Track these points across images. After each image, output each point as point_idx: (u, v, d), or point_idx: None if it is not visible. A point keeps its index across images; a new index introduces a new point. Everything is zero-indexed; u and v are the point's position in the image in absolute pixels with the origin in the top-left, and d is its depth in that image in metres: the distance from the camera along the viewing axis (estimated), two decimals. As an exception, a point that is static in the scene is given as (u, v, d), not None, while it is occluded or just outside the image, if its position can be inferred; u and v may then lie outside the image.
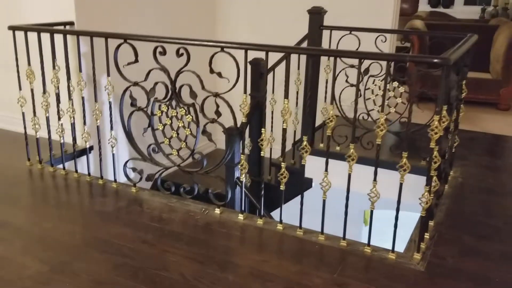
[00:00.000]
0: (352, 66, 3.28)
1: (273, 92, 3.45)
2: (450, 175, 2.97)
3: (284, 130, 2.25)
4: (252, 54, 2.81)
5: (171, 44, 2.29)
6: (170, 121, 2.46)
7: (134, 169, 2.64)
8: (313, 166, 3.40)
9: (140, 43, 2.37)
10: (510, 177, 3.07)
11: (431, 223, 2.34)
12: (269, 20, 4.45)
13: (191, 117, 2.38)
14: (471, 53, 2.69)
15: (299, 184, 3.46)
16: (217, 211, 2.45)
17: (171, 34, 3.49)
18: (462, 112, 2.84)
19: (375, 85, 3.27)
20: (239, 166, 2.35)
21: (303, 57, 3.44)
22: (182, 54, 2.29)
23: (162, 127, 2.49)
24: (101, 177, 2.80)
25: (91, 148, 3.15)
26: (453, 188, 2.82)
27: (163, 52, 2.33)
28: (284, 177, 2.28)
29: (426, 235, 2.22)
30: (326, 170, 2.21)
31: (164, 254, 2.07)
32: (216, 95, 2.27)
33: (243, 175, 2.38)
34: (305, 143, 2.21)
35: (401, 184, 2.02)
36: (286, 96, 2.20)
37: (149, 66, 2.36)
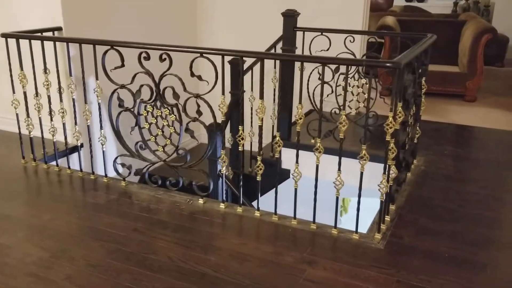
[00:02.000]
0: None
1: (252, 89, 3.69)
2: (414, 164, 3.25)
3: (260, 127, 2.49)
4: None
5: (155, 50, 2.52)
6: (155, 120, 2.69)
7: (123, 165, 2.87)
8: (290, 158, 3.65)
9: (126, 48, 2.59)
10: (469, 164, 3.37)
11: (392, 207, 2.62)
12: (247, 22, 4.67)
13: (174, 116, 2.61)
14: (429, 52, 2.96)
15: (277, 174, 3.72)
16: (201, 201, 2.69)
17: (155, 37, 3.73)
18: (423, 106, 3.11)
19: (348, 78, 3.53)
20: (220, 160, 2.60)
21: (279, 56, 3.69)
22: (165, 59, 2.51)
23: (148, 126, 2.72)
24: (93, 173, 3.03)
25: (82, 145, 3.36)
26: (415, 175, 3.10)
27: (147, 57, 2.55)
28: (260, 169, 2.53)
29: (387, 218, 2.49)
30: (297, 162, 2.46)
31: (153, 240, 2.32)
32: (197, 96, 2.50)
33: (224, 168, 2.62)
34: (277, 138, 2.46)
35: (361, 173, 2.28)
36: (261, 96, 2.44)
37: (135, 70, 2.57)
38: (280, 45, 3.65)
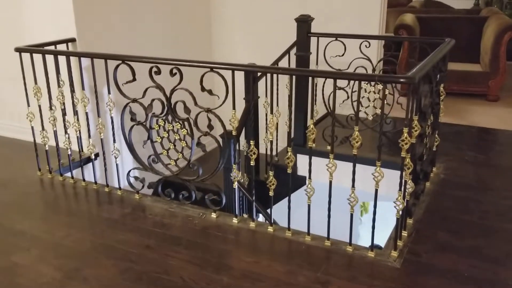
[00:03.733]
0: (339, 70, 3.47)
1: (266, 95, 3.64)
2: (433, 172, 3.16)
3: (271, 142, 2.45)
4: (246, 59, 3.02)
5: (166, 64, 2.49)
6: (167, 134, 2.67)
7: (136, 178, 2.87)
8: (306, 164, 3.61)
9: (138, 62, 2.57)
10: (490, 171, 3.26)
11: (410, 221, 2.55)
12: (262, 28, 4.59)
13: (186, 130, 2.59)
14: (447, 58, 2.86)
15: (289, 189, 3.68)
16: (214, 215, 2.67)
17: (170, 46, 3.71)
18: (442, 113, 3.02)
19: (361, 87, 3.45)
20: (231, 175, 2.56)
21: (293, 61, 3.62)
22: (175, 74, 2.48)
23: (160, 139, 2.70)
24: (107, 185, 3.03)
25: (97, 156, 3.37)
26: (434, 184, 3.02)
27: (158, 72, 2.53)
28: (273, 184, 2.49)
29: (404, 233, 2.43)
30: (310, 177, 2.41)
31: (165, 258, 2.30)
32: (208, 110, 2.47)
33: (235, 183, 2.59)
34: (289, 154, 2.41)
35: (376, 190, 2.22)
36: (272, 111, 2.39)
37: (147, 83, 2.56)
38: (294, 50, 3.59)
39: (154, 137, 2.73)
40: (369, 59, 3.37)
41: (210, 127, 2.51)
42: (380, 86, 3.42)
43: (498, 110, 4.65)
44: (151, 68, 2.54)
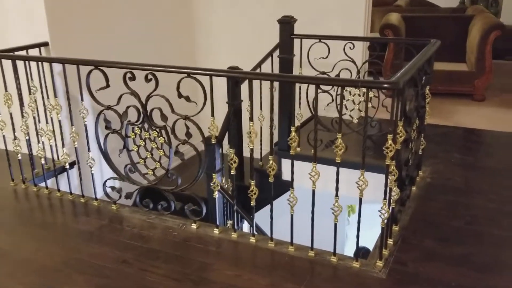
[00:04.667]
0: (323, 73, 3.40)
1: (249, 98, 3.55)
2: (419, 176, 3.10)
3: (251, 150, 2.36)
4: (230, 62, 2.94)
5: (140, 70, 2.39)
6: (143, 142, 2.56)
7: (113, 188, 2.75)
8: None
9: (113, 68, 2.46)
10: (477, 174, 3.20)
11: (395, 228, 2.48)
12: (245, 29, 4.50)
13: (163, 138, 2.48)
14: (433, 60, 2.79)
15: (277, 189, 3.59)
16: (194, 226, 2.57)
17: (150, 52, 3.58)
18: (428, 116, 2.95)
19: (346, 90, 3.38)
20: (211, 184, 2.46)
21: (277, 63, 3.53)
22: (150, 79, 2.38)
23: (137, 148, 2.59)
24: (83, 196, 2.91)
25: (72, 164, 3.24)
26: (420, 189, 2.95)
27: (133, 78, 2.42)
28: (254, 194, 2.40)
29: (390, 241, 2.35)
30: (292, 187, 2.33)
31: (142, 273, 2.20)
32: (186, 117, 2.37)
33: (216, 192, 2.49)
34: (271, 162, 2.32)
35: (360, 199, 2.14)
36: (251, 118, 2.30)
37: (123, 89, 2.45)
38: (277, 52, 3.50)
39: (131, 145, 2.62)
40: (353, 61, 3.29)
41: (189, 135, 2.41)
42: (364, 89, 3.35)
43: (484, 110, 4.61)
44: (125, 74, 2.43)
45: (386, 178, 2.10)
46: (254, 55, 3.58)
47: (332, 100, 3.48)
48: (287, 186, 3.83)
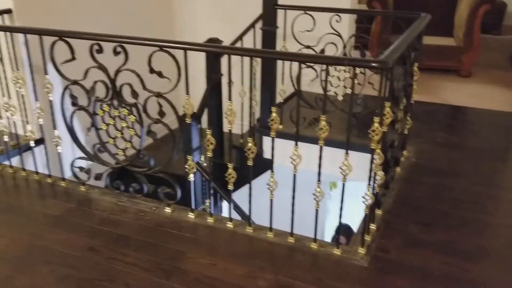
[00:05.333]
0: (308, 47, 3.23)
1: (229, 73, 3.39)
2: (404, 155, 2.99)
3: (230, 132, 2.21)
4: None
5: (108, 42, 2.19)
6: (113, 121, 2.39)
7: (81, 168, 2.59)
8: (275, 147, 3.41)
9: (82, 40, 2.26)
10: (462, 154, 3.11)
11: (379, 211, 2.38)
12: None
13: (134, 117, 2.31)
14: (422, 35, 2.65)
15: (258, 167, 3.47)
16: (168, 209, 2.43)
17: (126, 22, 3.32)
18: (415, 94, 2.82)
19: (331, 66, 3.22)
20: (186, 166, 2.31)
21: (259, 36, 3.35)
22: (119, 53, 2.19)
23: (106, 127, 2.42)
24: (49, 176, 2.74)
25: (39, 142, 3.05)
26: (405, 170, 2.84)
27: (100, 50, 2.23)
28: (232, 177, 2.26)
29: (373, 226, 2.25)
30: (272, 170, 2.20)
31: (110, 262, 2.06)
32: (158, 95, 2.20)
33: (191, 175, 2.34)
34: (250, 145, 2.18)
35: (343, 185, 2.02)
36: (230, 97, 2.14)
37: (91, 63, 2.26)
38: (259, 24, 3.31)
39: (100, 124, 2.44)
40: (339, 35, 3.12)
41: (162, 113, 2.24)
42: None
43: (470, 86, 4.51)
44: (92, 46, 2.23)
45: (371, 163, 1.97)
46: (236, 26, 3.39)
47: (317, 76, 3.31)
48: (269, 164, 3.74)
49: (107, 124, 2.41)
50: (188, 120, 2.21)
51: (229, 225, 2.30)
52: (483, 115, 3.84)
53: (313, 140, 2.93)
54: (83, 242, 2.20)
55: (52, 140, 2.59)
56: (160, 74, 2.14)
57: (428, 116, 3.74)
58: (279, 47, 3.27)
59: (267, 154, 3.65)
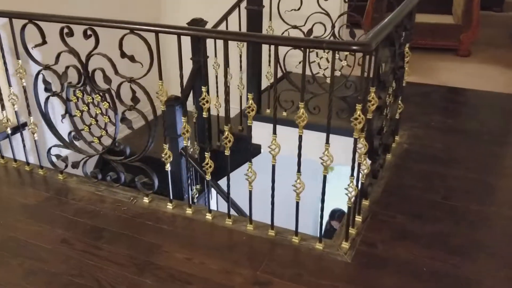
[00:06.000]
0: (295, 27, 3.08)
1: (215, 55, 3.25)
2: (395, 142, 2.88)
3: (208, 120, 2.09)
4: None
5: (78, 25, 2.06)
6: (87, 107, 2.28)
7: (58, 156, 2.49)
8: (260, 132, 3.29)
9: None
10: (458, 139, 2.99)
11: (365, 202, 2.28)
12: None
13: (108, 103, 2.20)
14: (414, 14, 2.50)
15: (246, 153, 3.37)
16: (146, 200, 2.33)
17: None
18: (407, 76, 2.69)
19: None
20: (162, 155, 2.20)
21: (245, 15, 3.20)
22: (90, 36, 2.06)
23: (80, 113, 2.31)
24: (27, 163, 2.65)
25: (16, 129, 2.93)
26: (396, 157, 2.73)
27: (70, 33, 2.10)
28: (210, 166, 2.15)
29: (358, 218, 2.15)
30: (250, 161, 2.08)
31: (82, 256, 1.97)
32: (131, 80, 2.07)
33: (168, 164, 2.23)
34: (226, 133, 2.06)
35: (324, 177, 1.91)
36: (206, 83, 2.01)
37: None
38: (244, 3, 3.15)
39: (74, 110, 2.33)
40: (327, 14, 2.98)
41: (135, 100, 2.13)
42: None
43: (469, 66, 4.35)
44: (62, 29, 2.11)
45: (354, 153, 1.86)
46: (223, 5, 3.23)
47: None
48: (257, 149, 3.63)
49: (81, 111, 2.30)
50: (162, 107, 2.09)
51: (208, 216, 2.21)
52: (481, 97, 3.70)
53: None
54: (57, 234, 2.11)
55: (28, 127, 2.49)
56: (132, 59, 2.02)
57: (423, 99, 3.61)
58: (265, 27, 3.12)
59: (255, 139, 3.54)
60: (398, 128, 2.92)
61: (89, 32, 2.06)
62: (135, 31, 1.99)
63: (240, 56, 3.31)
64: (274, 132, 1.97)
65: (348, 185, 1.90)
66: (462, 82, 3.93)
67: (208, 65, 3.07)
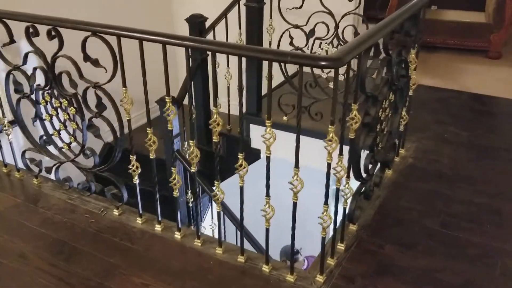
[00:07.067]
0: (296, 26, 2.85)
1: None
2: (400, 155, 2.61)
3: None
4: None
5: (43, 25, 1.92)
6: (55, 112, 2.14)
7: (31, 160, 2.37)
8: (260, 136, 3.11)
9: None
10: (471, 154, 2.68)
11: (353, 227, 2.05)
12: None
13: (74, 109, 2.05)
14: (420, 17, 2.22)
15: (247, 156, 3.18)
16: (116, 212, 2.18)
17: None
18: (414, 84, 2.41)
19: (322, 49, 2.84)
20: (130, 167, 2.03)
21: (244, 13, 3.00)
22: (54, 36, 1.91)
23: (49, 118, 2.17)
24: (5, 165, 2.55)
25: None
26: (397, 173, 2.48)
27: (35, 33, 1.96)
28: (178, 182, 1.96)
29: (341, 246, 1.93)
30: (218, 179, 1.88)
31: (36, 274, 1.84)
32: (95, 85, 1.91)
33: (135, 177, 2.06)
34: (192, 148, 1.86)
35: (294, 203, 1.69)
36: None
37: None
38: (242, 1, 2.94)
39: (45, 114, 2.20)
40: (330, 13, 2.72)
41: (101, 107, 1.97)
42: (343, 47, 2.80)
43: (498, 70, 3.99)
44: (27, 28, 1.97)
45: (328, 178, 1.64)
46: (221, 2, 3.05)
47: (307, 59, 2.95)
48: (257, 154, 3.43)
49: (50, 115, 2.16)
50: (127, 116, 1.91)
51: (177, 235, 2.03)
52: (507, 106, 3.36)
53: (302, 131, 2.65)
54: (16, 247, 1.99)
55: (3, 128, 2.38)
56: (95, 63, 1.85)
57: (440, 106, 3.30)
58: (265, 25, 2.90)
59: (255, 143, 3.34)
60: (404, 141, 2.65)
61: (53, 33, 1.90)
62: (98, 34, 1.81)
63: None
64: (242, 151, 1.75)
65: (322, 213, 1.68)
66: (488, 88, 3.59)
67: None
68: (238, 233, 2.24)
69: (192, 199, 2.93)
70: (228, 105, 3.28)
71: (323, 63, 1.37)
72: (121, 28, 1.79)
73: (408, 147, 2.71)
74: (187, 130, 3.06)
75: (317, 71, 2.80)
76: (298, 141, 1.66)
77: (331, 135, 1.54)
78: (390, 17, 1.82)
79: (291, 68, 2.99)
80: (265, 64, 3.05)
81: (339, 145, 1.60)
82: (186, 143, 3.07)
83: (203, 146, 3.46)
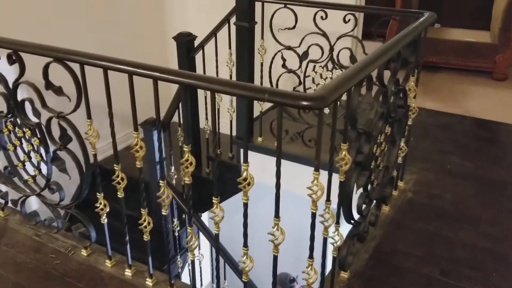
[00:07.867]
0: (289, 48, 2.68)
1: (203, 68, 2.94)
2: (399, 188, 2.42)
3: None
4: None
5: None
6: (19, 142, 1.95)
7: (-3, 192, 2.19)
8: (251, 161, 2.92)
9: None
10: (475, 189, 2.48)
11: (344, 275, 1.84)
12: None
13: (37, 140, 1.86)
14: (420, 43, 2.03)
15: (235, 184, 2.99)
16: (84, 252, 1.99)
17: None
18: (414, 113, 2.23)
19: (316, 72, 2.67)
20: (97, 205, 1.84)
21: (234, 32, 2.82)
22: (14, 61, 1.74)
23: (13, 148, 1.99)
24: (-28, 196, 2.36)
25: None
26: (395, 209, 2.28)
27: (-6, 57, 1.79)
28: (148, 223, 1.77)
29: (329, 299, 1.73)
30: (190, 225, 1.69)
31: (-15, 327, 1.65)
32: (58, 115, 1.73)
33: (104, 216, 1.86)
34: (163, 189, 1.67)
35: (274, 258, 1.50)
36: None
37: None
38: (233, 19, 2.76)
39: (8, 144, 2.02)
40: (325, 35, 2.54)
41: (66, 138, 1.78)
42: (338, 72, 2.62)
43: (503, 93, 3.79)
44: (-12, 51, 1.79)
45: (312, 228, 1.44)
46: (211, 21, 2.87)
47: (300, 83, 2.77)
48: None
49: (14, 146, 1.98)
50: (93, 151, 1.72)
51: (148, 282, 1.83)
52: (512, 133, 3.16)
53: (295, 158, 2.58)
54: (-33, 294, 1.80)
55: (-33, 156, 2.20)
56: (58, 91, 1.67)
57: (442, 132, 3.11)
58: (257, 45, 2.72)
59: (245, 170, 3.14)
60: (403, 173, 2.46)
61: (13, 57, 1.73)
62: (63, 60, 1.63)
63: (230, 77, 2.92)
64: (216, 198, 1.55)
65: (307, 267, 1.48)
66: (493, 113, 3.39)
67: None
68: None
69: (179, 228, 2.74)
70: (218, 128, 3.09)
71: (304, 103, 1.18)
72: (85, 55, 1.60)
73: (407, 179, 2.51)
74: (174, 153, 2.88)
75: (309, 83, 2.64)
76: (278, 196, 1.46)
77: (315, 181, 1.34)
78: (385, 46, 1.63)
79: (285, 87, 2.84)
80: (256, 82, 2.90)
81: (325, 191, 1.41)
82: (172, 167, 2.88)
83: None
